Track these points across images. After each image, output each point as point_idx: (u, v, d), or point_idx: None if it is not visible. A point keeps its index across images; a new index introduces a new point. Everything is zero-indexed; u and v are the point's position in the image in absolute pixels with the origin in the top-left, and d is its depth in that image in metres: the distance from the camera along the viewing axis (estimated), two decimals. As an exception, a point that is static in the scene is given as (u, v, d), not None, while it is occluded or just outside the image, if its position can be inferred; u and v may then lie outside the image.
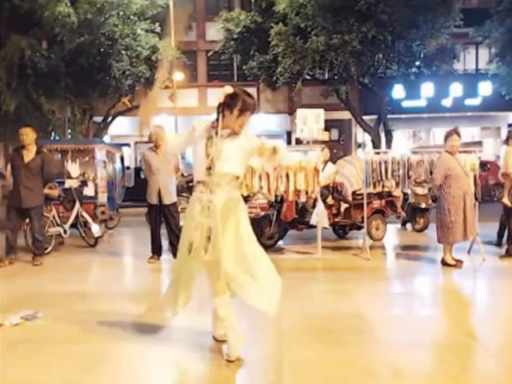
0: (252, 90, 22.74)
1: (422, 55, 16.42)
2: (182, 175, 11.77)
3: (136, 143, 22.97)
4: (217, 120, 3.31)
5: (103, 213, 9.87)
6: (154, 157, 6.83)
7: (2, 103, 14.13)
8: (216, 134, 3.29)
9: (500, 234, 7.51)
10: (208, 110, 22.05)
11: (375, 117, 18.45)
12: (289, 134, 22.46)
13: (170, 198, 6.84)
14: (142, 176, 14.22)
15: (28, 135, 6.81)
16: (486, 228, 8.00)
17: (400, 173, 7.29)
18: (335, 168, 8.33)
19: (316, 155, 7.15)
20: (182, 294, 3.55)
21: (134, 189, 15.77)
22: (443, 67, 17.09)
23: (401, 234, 9.52)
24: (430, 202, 9.16)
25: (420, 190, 9.12)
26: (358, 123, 19.16)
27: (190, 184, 11.21)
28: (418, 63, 16.76)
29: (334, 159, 8.99)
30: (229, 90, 3.27)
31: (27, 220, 7.57)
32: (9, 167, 7.32)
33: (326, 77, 17.85)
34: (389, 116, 18.40)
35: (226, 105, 3.27)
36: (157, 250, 6.99)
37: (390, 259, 7.45)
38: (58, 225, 7.99)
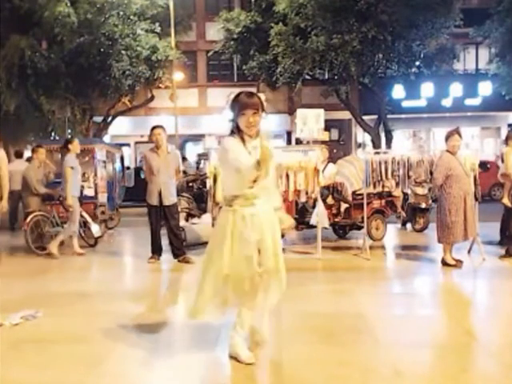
0: (252, 90, 22.77)
1: (422, 55, 16.40)
2: (185, 173, 11.76)
3: (136, 143, 22.99)
4: (233, 131, 3.31)
5: (103, 213, 9.86)
6: (155, 157, 6.82)
7: (2, 103, 14.14)
8: (244, 144, 3.27)
9: (502, 232, 7.46)
10: (208, 110, 22.15)
11: (375, 117, 18.44)
12: (289, 133, 22.46)
13: (170, 198, 6.83)
14: (142, 176, 14.20)
15: None
16: (486, 228, 8.00)
17: (400, 173, 7.29)
18: (336, 169, 8.32)
19: (316, 155, 7.15)
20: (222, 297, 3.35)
21: (134, 189, 15.76)
22: (443, 67, 17.06)
23: (401, 234, 9.51)
24: (430, 202, 9.15)
25: (420, 190, 9.11)
26: (357, 123, 19.15)
27: (190, 184, 11.22)
28: (418, 63, 16.74)
29: (334, 159, 8.99)
30: (231, 96, 3.32)
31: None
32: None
33: (326, 77, 17.84)
34: (389, 116, 18.39)
35: (232, 111, 3.31)
36: (157, 251, 6.98)
37: (390, 259, 7.45)
38: (57, 225, 7.99)
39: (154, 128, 6.92)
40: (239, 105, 3.26)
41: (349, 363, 3.31)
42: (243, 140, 3.27)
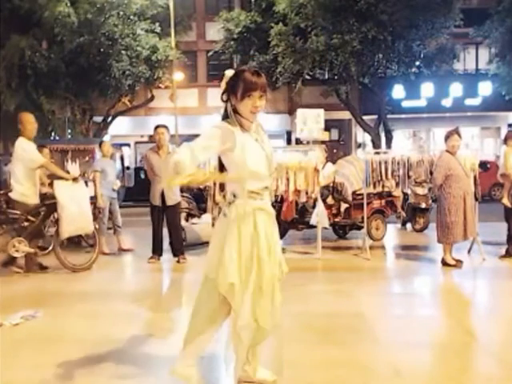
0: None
1: (421, 55, 16.43)
2: None
3: (136, 143, 22.99)
4: (226, 116, 2.72)
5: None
6: (157, 158, 6.81)
7: (2, 103, 14.15)
8: (243, 132, 2.70)
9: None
10: (208, 110, 22.12)
11: (375, 117, 18.45)
12: (289, 133, 22.46)
13: (173, 198, 6.83)
14: (142, 176, 14.16)
15: None
16: (486, 228, 7.99)
17: (400, 173, 7.29)
18: (334, 167, 8.32)
19: (316, 155, 7.15)
20: None
21: (134, 189, 15.77)
22: (443, 67, 17.07)
23: (401, 234, 9.51)
24: (430, 202, 9.15)
25: (420, 190, 9.11)
26: (357, 123, 19.16)
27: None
28: (418, 63, 16.76)
29: (333, 159, 8.98)
30: (229, 73, 2.77)
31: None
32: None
33: (326, 77, 17.86)
34: (389, 116, 18.40)
35: (231, 91, 2.70)
36: (157, 250, 6.99)
37: (390, 259, 7.45)
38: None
39: (157, 127, 6.91)
40: (244, 84, 2.64)
41: (349, 363, 3.31)
42: (242, 126, 2.70)
